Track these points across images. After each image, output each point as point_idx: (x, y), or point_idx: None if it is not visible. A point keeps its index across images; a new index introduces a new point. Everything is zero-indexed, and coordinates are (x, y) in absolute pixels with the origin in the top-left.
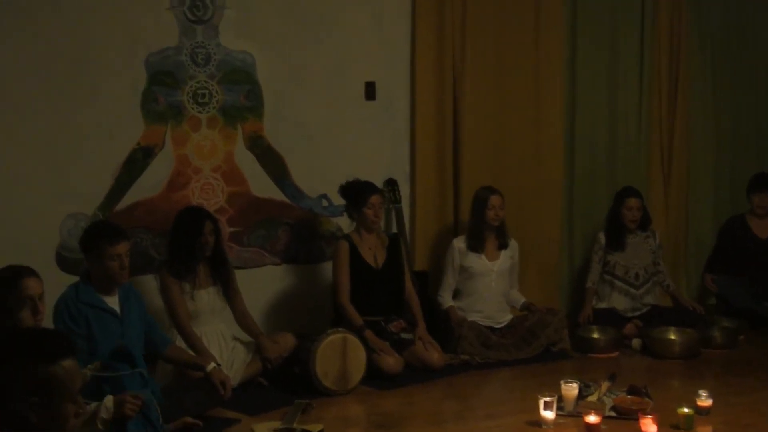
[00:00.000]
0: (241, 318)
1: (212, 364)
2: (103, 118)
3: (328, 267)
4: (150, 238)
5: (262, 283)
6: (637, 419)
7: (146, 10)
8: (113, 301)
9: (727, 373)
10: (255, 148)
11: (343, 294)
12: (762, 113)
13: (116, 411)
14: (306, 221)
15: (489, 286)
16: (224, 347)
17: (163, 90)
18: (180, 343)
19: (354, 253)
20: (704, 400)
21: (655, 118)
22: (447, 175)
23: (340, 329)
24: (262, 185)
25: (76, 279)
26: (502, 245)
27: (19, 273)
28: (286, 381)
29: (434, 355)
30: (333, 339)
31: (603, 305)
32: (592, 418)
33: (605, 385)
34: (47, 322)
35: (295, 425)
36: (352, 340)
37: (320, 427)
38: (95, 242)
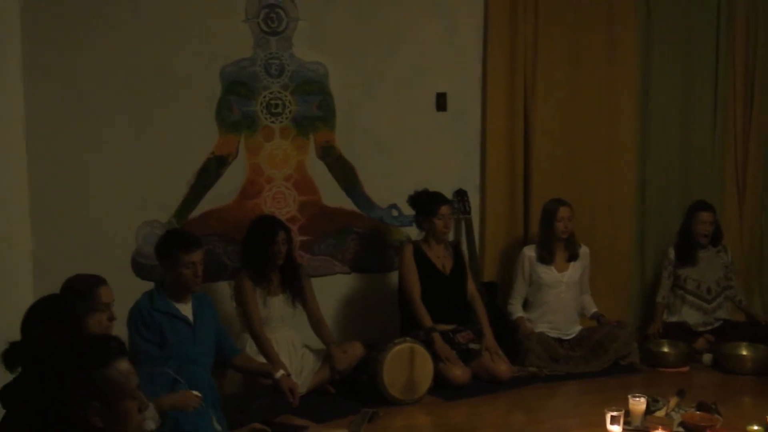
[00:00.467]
0: (316, 324)
1: (281, 372)
2: (179, 127)
3: (396, 276)
4: (223, 246)
5: (332, 292)
6: None
7: (222, 22)
8: (186, 309)
9: None
10: (326, 158)
11: (413, 292)
12: None
13: (175, 404)
14: (376, 231)
15: (558, 298)
16: (294, 354)
17: (237, 100)
18: (251, 347)
19: (422, 256)
20: None
21: (730, 132)
22: (517, 186)
23: (407, 339)
24: (333, 195)
25: (150, 284)
26: (572, 257)
27: (95, 282)
28: (354, 389)
29: (501, 367)
30: (401, 349)
31: (674, 319)
32: None
33: (674, 401)
34: (120, 328)
35: None
36: (420, 350)
37: None
38: (170, 250)
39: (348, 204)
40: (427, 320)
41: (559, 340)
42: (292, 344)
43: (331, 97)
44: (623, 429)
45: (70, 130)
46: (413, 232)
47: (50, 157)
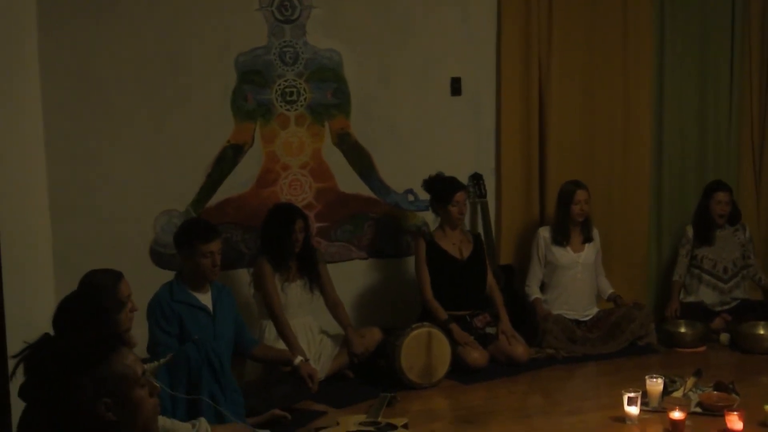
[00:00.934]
0: (333, 307)
1: (299, 358)
2: (195, 117)
3: (413, 261)
4: (240, 234)
5: (349, 277)
6: (723, 416)
7: (236, 11)
8: (206, 299)
9: None
10: (342, 145)
11: (426, 290)
12: None
13: None
14: (392, 216)
15: (575, 279)
16: (312, 340)
17: (252, 89)
18: (270, 332)
19: (434, 248)
20: None
21: (746, 111)
22: (533, 169)
23: (425, 323)
24: (349, 181)
25: (168, 273)
26: (587, 239)
27: (116, 277)
28: (372, 374)
29: (519, 349)
30: (418, 333)
31: (691, 299)
32: (677, 414)
33: (691, 381)
34: (140, 320)
35: (380, 418)
36: (437, 334)
37: (405, 420)
38: (188, 239)
39: (364, 190)
40: (441, 314)
41: (576, 322)
42: (310, 330)
43: (346, 84)
44: (641, 410)
45: (87, 124)
46: (429, 217)
47: (68, 150)
